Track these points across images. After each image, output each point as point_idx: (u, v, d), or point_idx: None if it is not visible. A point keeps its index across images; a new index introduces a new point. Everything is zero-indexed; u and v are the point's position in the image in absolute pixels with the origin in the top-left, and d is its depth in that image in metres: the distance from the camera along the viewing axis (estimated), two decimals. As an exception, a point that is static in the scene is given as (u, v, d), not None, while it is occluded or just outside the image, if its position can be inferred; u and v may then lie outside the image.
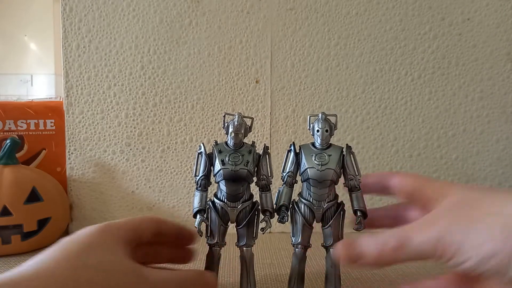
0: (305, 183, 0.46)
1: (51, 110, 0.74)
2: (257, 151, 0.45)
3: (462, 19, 0.76)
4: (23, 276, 0.27)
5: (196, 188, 0.44)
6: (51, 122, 0.74)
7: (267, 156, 0.45)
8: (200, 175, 0.44)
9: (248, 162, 0.43)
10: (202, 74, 0.74)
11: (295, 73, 0.75)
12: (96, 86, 0.73)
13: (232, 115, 0.44)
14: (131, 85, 0.73)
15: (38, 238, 0.64)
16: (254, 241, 0.46)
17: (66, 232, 0.74)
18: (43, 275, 0.26)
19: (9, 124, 0.72)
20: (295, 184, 0.47)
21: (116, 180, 0.75)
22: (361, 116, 0.76)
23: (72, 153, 0.74)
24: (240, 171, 0.43)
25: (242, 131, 0.43)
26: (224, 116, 0.45)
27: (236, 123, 0.43)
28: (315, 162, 0.45)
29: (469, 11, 0.76)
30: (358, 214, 0.46)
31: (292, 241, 0.47)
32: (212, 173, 0.45)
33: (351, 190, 0.47)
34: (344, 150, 0.47)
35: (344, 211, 0.47)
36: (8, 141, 0.66)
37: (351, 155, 0.47)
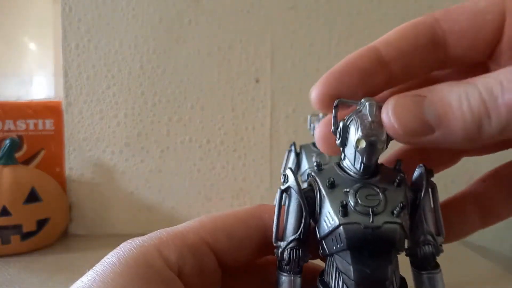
0: (305, 184, 0.46)
1: (50, 110, 0.74)
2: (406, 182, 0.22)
3: (463, 19, 0.75)
4: None
5: (279, 268, 0.21)
6: (50, 122, 0.74)
7: (432, 191, 0.22)
8: (289, 239, 0.21)
9: (402, 205, 0.19)
10: (202, 74, 0.74)
11: (296, 72, 0.75)
12: (95, 86, 0.73)
13: (351, 102, 0.21)
14: (131, 85, 0.73)
15: (37, 238, 0.64)
16: None
17: (65, 233, 0.74)
18: None
19: (8, 124, 0.72)
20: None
21: (115, 181, 0.74)
22: (362, 116, 0.76)
23: (71, 153, 0.74)
24: (386, 228, 0.19)
25: (384, 138, 0.21)
26: (336, 106, 0.21)
27: (370, 117, 0.20)
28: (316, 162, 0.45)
29: (470, 11, 0.75)
30: None
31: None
32: (316, 232, 0.21)
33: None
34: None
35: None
36: (7, 141, 0.66)
37: None
